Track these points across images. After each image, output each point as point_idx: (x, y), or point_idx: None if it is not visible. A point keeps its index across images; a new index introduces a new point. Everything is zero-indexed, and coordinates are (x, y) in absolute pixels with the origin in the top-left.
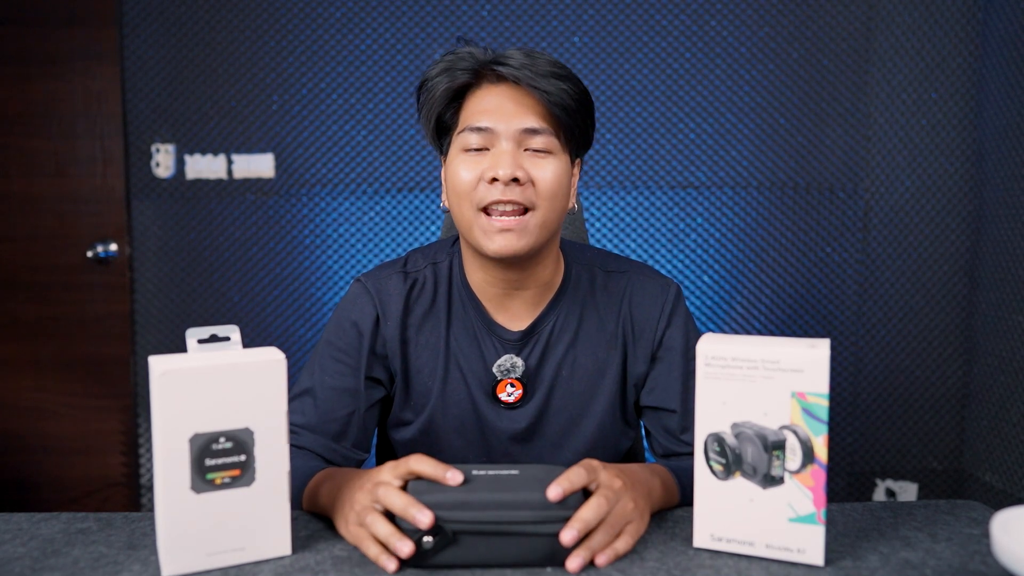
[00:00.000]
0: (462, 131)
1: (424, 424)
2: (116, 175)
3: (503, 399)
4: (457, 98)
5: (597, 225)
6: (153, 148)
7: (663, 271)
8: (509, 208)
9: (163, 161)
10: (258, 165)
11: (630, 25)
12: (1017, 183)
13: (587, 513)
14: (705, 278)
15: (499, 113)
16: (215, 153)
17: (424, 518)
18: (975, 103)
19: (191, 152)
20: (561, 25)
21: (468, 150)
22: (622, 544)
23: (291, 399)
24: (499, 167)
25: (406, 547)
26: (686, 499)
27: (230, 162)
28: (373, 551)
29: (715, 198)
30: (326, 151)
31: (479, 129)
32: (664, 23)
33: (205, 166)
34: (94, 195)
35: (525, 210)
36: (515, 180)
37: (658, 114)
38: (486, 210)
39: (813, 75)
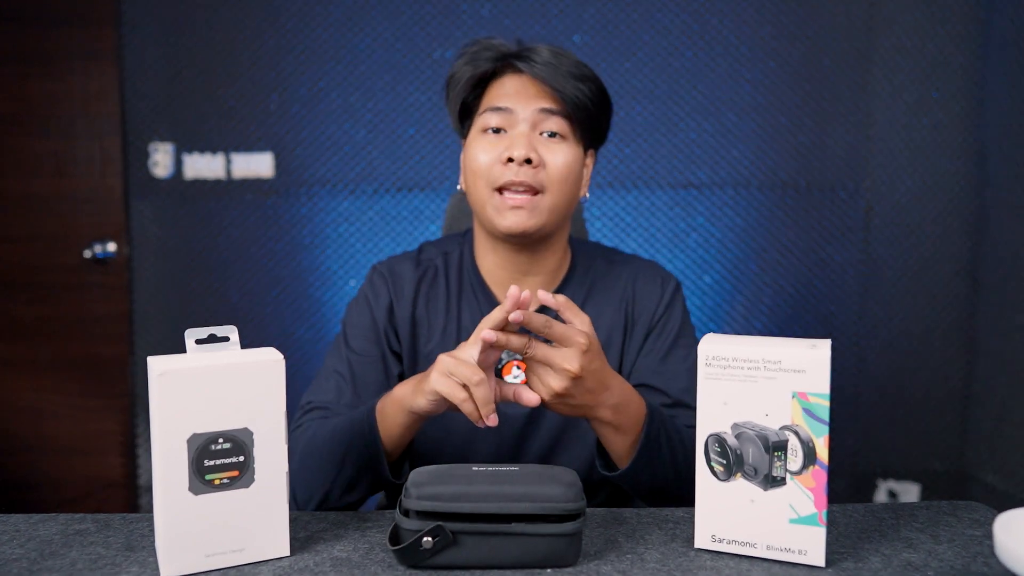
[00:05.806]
0: (483, 112)
1: None
2: (115, 175)
3: (509, 381)
4: (481, 85)
5: (597, 225)
6: (151, 147)
7: None
8: (521, 188)
9: (161, 161)
10: (257, 164)
11: (630, 24)
12: (1019, 183)
13: (553, 355)
14: (706, 278)
15: (518, 96)
16: (214, 152)
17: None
18: (977, 102)
19: (190, 151)
20: (561, 25)
21: (487, 130)
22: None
23: (319, 382)
24: (514, 148)
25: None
26: (651, 428)
27: (229, 161)
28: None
29: (716, 198)
30: (326, 151)
31: (499, 109)
32: (665, 22)
33: (204, 165)
34: (92, 195)
35: (536, 192)
36: (528, 161)
37: (658, 114)
38: (500, 190)
39: (814, 74)
